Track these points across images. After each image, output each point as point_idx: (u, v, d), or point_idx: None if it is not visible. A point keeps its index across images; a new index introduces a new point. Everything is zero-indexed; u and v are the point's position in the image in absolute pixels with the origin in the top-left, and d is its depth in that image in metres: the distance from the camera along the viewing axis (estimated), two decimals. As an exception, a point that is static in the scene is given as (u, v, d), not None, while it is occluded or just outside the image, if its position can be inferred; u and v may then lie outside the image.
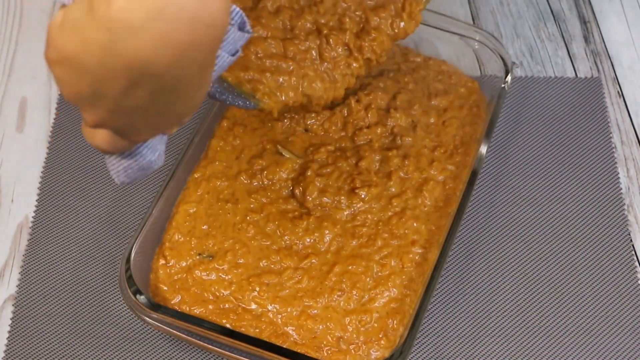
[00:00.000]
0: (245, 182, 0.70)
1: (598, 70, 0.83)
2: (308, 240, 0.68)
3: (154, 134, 0.48)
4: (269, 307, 0.65)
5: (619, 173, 0.76)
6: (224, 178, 0.70)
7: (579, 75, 0.83)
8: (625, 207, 0.74)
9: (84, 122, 0.49)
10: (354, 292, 0.65)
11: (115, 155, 0.51)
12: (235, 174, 0.70)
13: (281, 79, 0.62)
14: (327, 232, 0.68)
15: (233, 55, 0.48)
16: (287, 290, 0.65)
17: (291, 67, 0.63)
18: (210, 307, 0.65)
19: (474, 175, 0.68)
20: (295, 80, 0.63)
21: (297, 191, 0.69)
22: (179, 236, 0.67)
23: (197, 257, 0.67)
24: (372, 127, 0.72)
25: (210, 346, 0.62)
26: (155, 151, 0.52)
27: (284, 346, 0.62)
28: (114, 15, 0.38)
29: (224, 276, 0.66)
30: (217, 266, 0.66)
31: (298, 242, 0.67)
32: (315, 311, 0.64)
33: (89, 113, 0.45)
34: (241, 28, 0.48)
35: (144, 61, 0.40)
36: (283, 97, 0.62)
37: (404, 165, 0.71)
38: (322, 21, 0.65)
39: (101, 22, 0.39)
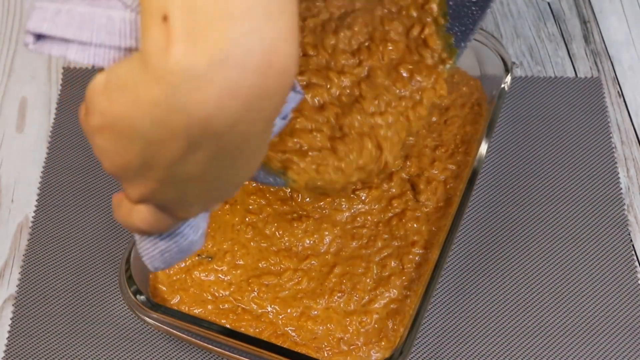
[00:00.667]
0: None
1: (598, 70, 0.83)
2: (307, 241, 0.67)
3: (205, 207, 0.43)
4: (269, 308, 0.65)
5: (619, 173, 0.76)
6: None
7: (579, 75, 0.83)
8: (625, 207, 0.74)
9: (117, 199, 0.44)
10: (354, 294, 0.65)
11: (150, 238, 0.46)
12: None
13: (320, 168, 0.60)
14: (326, 233, 0.68)
15: (284, 118, 0.45)
16: (287, 292, 0.65)
17: (336, 164, 0.60)
18: (209, 307, 0.65)
19: (474, 175, 0.68)
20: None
21: (295, 194, 0.69)
22: None
23: (196, 257, 0.67)
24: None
25: (210, 346, 0.62)
26: (197, 230, 0.46)
27: (284, 346, 0.62)
28: (173, 65, 0.33)
29: (223, 277, 0.66)
30: (215, 267, 0.66)
31: (298, 243, 0.67)
32: (316, 312, 0.64)
33: (134, 186, 0.40)
34: (292, 88, 0.43)
35: (207, 116, 0.34)
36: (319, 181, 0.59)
37: (406, 166, 0.71)
38: (372, 122, 0.62)
39: (157, 75, 0.34)
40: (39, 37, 0.39)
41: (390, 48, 0.63)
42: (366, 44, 0.64)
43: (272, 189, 0.69)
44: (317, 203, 0.69)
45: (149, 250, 0.47)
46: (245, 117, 0.35)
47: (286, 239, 0.67)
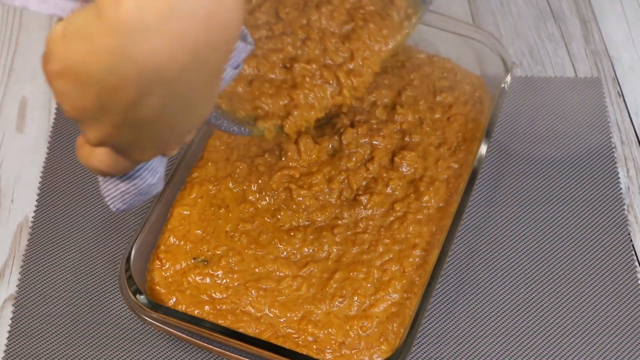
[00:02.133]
0: (231, 186, 0.69)
1: (598, 70, 0.83)
2: (306, 250, 0.67)
3: (159, 151, 0.46)
4: (268, 312, 0.64)
5: (619, 173, 0.76)
6: (215, 182, 0.70)
7: (579, 75, 0.83)
8: (625, 207, 0.74)
9: (80, 142, 0.46)
10: (355, 298, 0.65)
11: (112, 179, 0.48)
12: (223, 177, 0.70)
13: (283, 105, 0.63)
14: (325, 240, 0.67)
15: (235, 68, 0.47)
16: (286, 297, 0.65)
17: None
18: (207, 308, 0.64)
19: (474, 175, 0.68)
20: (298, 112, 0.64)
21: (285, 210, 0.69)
22: (174, 239, 0.67)
23: (192, 261, 0.66)
24: (382, 125, 0.72)
25: (210, 346, 0.62)
26: (155, 174, 0.49)
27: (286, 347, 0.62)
28: (125, 17, 0.36)
29: (219, 281, 0.65)
30: (211, 272, 0.66)
31: (296, 252, 0.67)
32: (317, 317, 0.64)
33: (91, 129, 0.42)
34: (243, 39, 0.46)
35: (157, 65, 0.38)
36: (287, 123, 0.63)
37: (414, 168, 0.70)
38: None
39: (111, 26, 0.37)
40: None
41: (371, 26, 0.66)
42: (350, 27, 0.67)
43: (264, 202, 0.69)
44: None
45: (111, 191, 0.49)
46: (192, 66, 0.38)
47: (283, 247, 0.67)
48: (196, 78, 0.40)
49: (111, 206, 0.50)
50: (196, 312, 0.64)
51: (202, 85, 0.41)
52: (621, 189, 0.75)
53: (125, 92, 0.39)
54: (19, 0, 0.41)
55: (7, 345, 0.67)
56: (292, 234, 0.67)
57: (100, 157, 0.45)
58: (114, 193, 0.49)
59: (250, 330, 0.63)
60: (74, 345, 0.67)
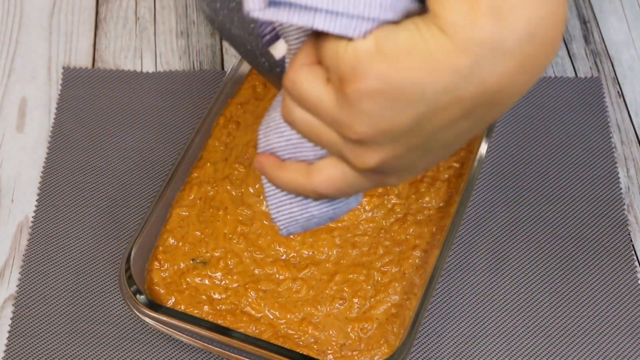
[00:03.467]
0: (229, 189, 0.69)
1: (598, 70, 0.83)
2: (306, 252, 0.67)
3: (420, 173, 0.42)
4: (267, 313, 0.64)
5: (619, 173, 0.76)
6: (214, 184, 0.69)
7: (579, 75, 0.83)
8: (625, 207, 0.74)
9: (274, 160, 0.42)
10: (355, 300, 0.65)
11: (303, 201, 0.43)
12: (221, 179, 0.70)
13: None
14: (325, 242, 0.67)
15: None
16: (285, 298, 0.65)
17: None
18: (206, 307, 0.64)
19: (474, 174, 0.68)
20: None
21: None
22: (173, 240, 0.67)
23: (191, 262, 0.66)
24: None
25: (210, 346, 0.62)
26: (359, 197, 0.44)
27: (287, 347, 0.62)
28: (482, 38, 0.35)
29: (218, 282, 0.65)
30: (210, 273, 0.66)
31: (295, 255, 0.67)
32: (317, 318, 0.64)
33: (377, 151, 0.39)
34: None
35: (499, 88, 0.36)
36: None
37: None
38: None
39: (462, 45, 0.35)
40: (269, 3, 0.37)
41: None
42: None
43: (263, 206, 0.69)
44: None
45: (294, 214, 0.44)
46: (524, 89, 0.37)
47: (282, 250, 0.67)
48: (514, 102, 0.38)
49: (283, 229, 0.45)
50: (195, 312, 0.64)
51: (507, 109, 0.39)
52: (621, 189, 0.75)
53: (448, 114, 0.37)
54: (297, 18, 0.37)
55: (7, 345, 0.67)
56: (291, 236, 0.67)
57: (331, 178, 0.41)
58: (296, 216, 0.44)
59: (250, 330, 0.63)
60: (74, 345, 0.67)
